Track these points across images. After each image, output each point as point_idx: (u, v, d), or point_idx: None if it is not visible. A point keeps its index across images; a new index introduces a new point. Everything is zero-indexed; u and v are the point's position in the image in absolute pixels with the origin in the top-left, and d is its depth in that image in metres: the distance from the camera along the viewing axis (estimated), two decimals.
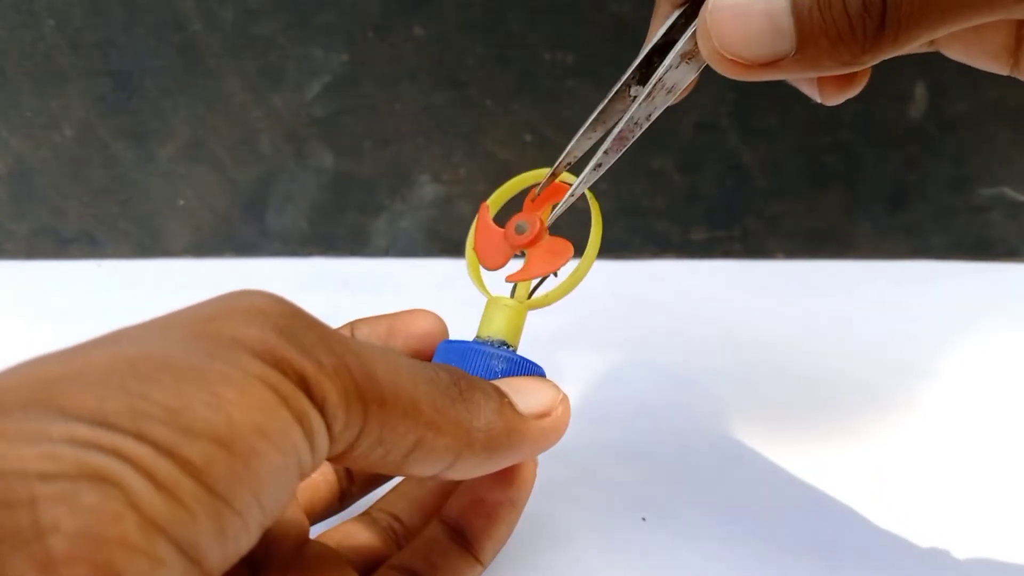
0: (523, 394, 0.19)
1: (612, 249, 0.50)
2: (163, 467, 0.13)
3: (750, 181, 0.48)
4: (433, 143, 0.48)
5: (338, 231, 0.51)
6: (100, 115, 0.48)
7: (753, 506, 0.29)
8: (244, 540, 0.14)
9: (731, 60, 0.18)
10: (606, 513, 0.29)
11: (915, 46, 0.17)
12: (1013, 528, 0.28)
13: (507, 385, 0.20)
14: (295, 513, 0.22)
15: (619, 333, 0.42)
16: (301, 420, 0.15)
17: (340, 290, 0.47)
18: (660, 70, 0.20)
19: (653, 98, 0.20)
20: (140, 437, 0.13)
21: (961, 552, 0.27)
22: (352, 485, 0.25)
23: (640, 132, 0.21)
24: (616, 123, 0.21)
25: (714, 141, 0.47)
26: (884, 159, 0.48)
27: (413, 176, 0.49)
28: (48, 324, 0.43)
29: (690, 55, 0.20)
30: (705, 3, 0.18)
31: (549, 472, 0.26)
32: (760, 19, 0.17)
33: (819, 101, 0.22)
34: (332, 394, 0.16)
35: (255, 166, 0.49)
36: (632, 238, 0.50)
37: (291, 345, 0.16)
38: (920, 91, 0.45)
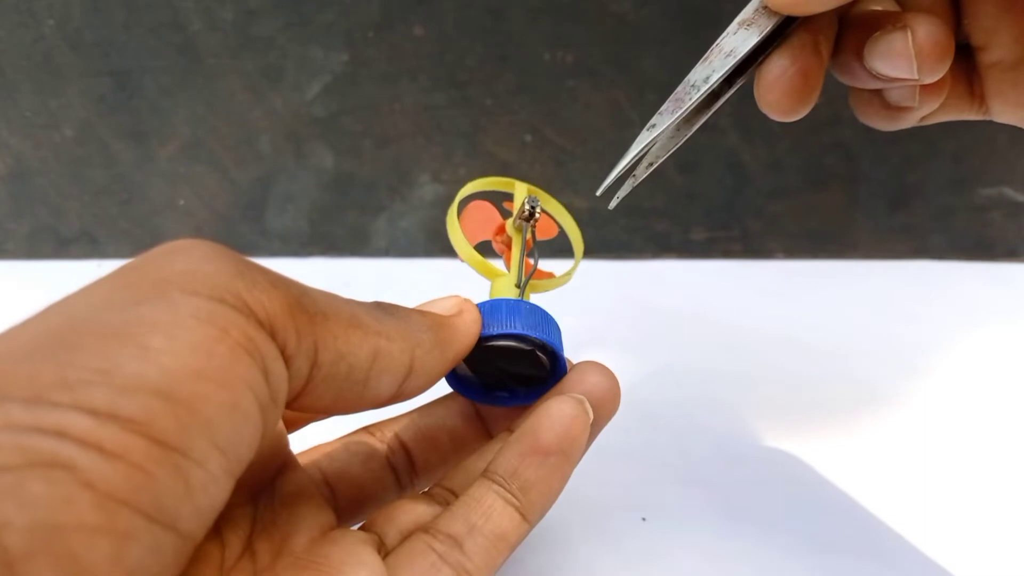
0: (434, 306, 0.21)
1: (612, 249, 0.50)
2: (108, 433, 0.12)
3: (750, 181, 0.48)
4: (433, 143, 0.48)
5: (338, 231, 0.51)
6: (100, 115, 0.48)
7: (753, 506, 0.29)
8: (215, 491, 0.14)
9: None
10: (606, 513, 0.29)
11: None
12: (1013, 527, 0.28)
13: (420, 306, 0.22)
14: (272, 444, 0.21)
15: (619, 333, 0.42)
16: (248, 348, 0.14)
17: (340, 290, 0.47)
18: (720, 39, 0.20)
19: (711, 61, 0.21)
20: (77, 407, 0.12)
21: (961, 551, 0.27)
22: (412, 469, 0.24)
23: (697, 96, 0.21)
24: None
25: (714, 141, 0.47)
26: (884, 159, 0.48)
27: (413, 176, 0.49)
28: None
29: (749, 21, 0.20)
30: None
31: None
32: None
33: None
34: (275, 306, 0.15)
35: (255, 166, 0.49)
36: (632, 238, 0.50)
37: (224, 270, 0.15)
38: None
